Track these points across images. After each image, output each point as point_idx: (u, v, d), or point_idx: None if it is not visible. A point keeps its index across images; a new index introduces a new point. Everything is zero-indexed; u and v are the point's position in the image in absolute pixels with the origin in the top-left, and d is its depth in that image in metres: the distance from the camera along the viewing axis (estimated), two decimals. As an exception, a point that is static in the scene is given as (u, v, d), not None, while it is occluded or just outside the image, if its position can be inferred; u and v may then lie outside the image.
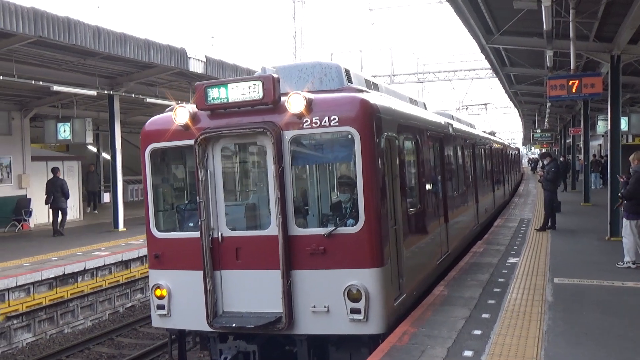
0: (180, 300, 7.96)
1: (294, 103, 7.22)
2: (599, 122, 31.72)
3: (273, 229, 7.43)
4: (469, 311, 8.36)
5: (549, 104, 30.58)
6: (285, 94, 7.41)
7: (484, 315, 8.13)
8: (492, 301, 8.90)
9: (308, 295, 7.31)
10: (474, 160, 17.01)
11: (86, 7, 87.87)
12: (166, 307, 8.01)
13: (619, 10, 13.87)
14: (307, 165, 8.79)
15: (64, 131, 20.69)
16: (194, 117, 7.78)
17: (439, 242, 10.85)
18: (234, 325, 7.46)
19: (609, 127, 16.53)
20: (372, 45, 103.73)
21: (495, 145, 25.53)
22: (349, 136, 7.24)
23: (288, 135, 7.37)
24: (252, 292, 7.58)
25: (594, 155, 34.70)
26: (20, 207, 21.59)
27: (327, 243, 7.24)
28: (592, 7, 13.85)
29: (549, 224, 16.68)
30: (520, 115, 53.90)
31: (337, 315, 7.22)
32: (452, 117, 16.90)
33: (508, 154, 32.73)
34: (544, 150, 37.63)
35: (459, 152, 14.47)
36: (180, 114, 7.80)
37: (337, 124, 7.22)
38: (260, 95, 7.35)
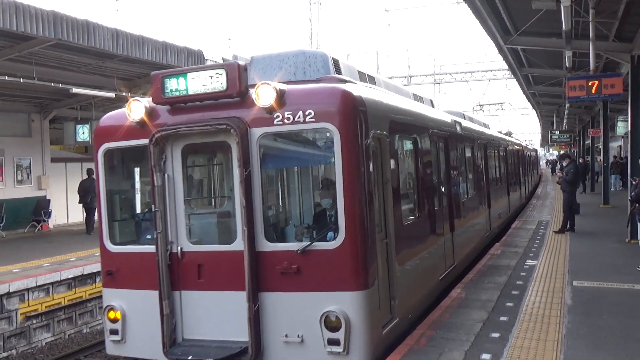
0: (135, 324, 6.96)
1: (263, 95, 6.23)
2: (619, 123, 31.38)
3: (239, 244, 6.38)
4: (487, 314, 8.29)
5: (567, 105, 30.34)
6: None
7: (502, 318, 8.06)
8: (510, 304, 8.82)
9: (279, 323, 6.29)
10: (486, 161, 16.00)
11: (105, 10, 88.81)
12: (120, 332, 7.01)
13: (639, 10, 13.71)
14: (280, 169, 7.72)
15: (83, 133, 20.92)
16: (151, 113, 6.82)
17: (442, 255, 9.79)
18: (190, 357, 6.39)
19: (629, 128, 16.37)
20: (389, 47, 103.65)
21: (511, 146, 24.38)
22: (327, 134, 6.23)
23: (256, 133, 6.37)
24: (216, 317, 6.57)
25: (615, 157, 34.30)
26: (39, 208, 21.88)
27: (301, 261, 6.20)
28: (612, 7, 13.71)
29: (568, 226, 16.51)
30: (538, 116, 53.48)
31: (312, 347, 6.19)
32: (464, 116, 15.93)
33: (525, 155, 31.67)
34: (562, 152, 37.32)
35: (469, 153, 13.51)
36: (135, 108, 6.82)
37: (313, 119, 6.18)
38: (224, 86, 6.34)
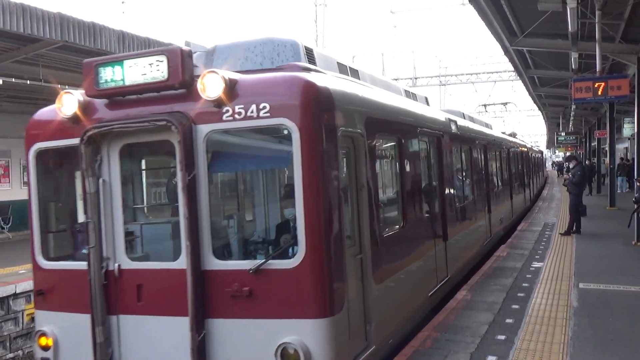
0: (69, 353, 6.02)
1: (210, 86, 5.32)
2: (625, 125, 31.29)
3: (183, 261, 5.45)
4: (493, 316, 8.27)
5: (573, 107, 30.26)
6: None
7: (508, 321, 8.04)
8: (516, 306, 8.79)
9: (228, 355, 5.40)
10: (486, 163, 15.00)
11: (111, 13, 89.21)
12: None
13: (646, 11, 13.68)
14: (233, 173, 6.86)
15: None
16: (86, 108, 5.88)
17: (433, 267, 8.84)
18: None
19: (635, 130, 16.31)
20: (394, 48, 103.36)
21: (515, 148, 23.37)
22: (285, 131, 5.28)
23: (203, 130, 5.46)
24: (158, 347, 5.64)
25: (621, 159, 34.19)
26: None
27: (254, 282, 5.28)
28: (619, 9, 13.68)
29: (574, 228, 16.46)
30: (544, 118, 53.39)
31: None
32: (463, 115, 15.01)
33: (530, 157, 30.79)
34: (568, 154, 37.22)
35: (466, 155, 12.61)
36: (67, 102, 5.87)
37: (269, 114, 5.27)
38: (165, 75, 5.41)
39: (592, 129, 39.84)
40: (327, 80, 5.89)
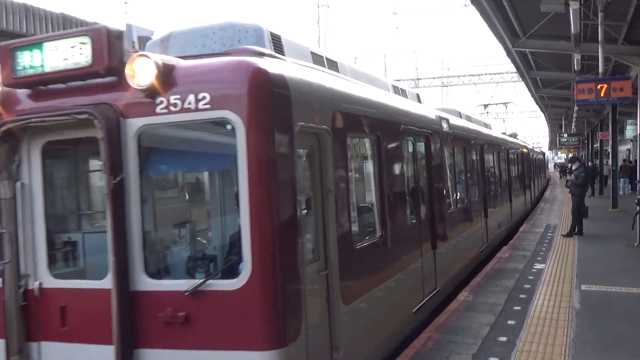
0: None
1: (140, 72, 4.54)
2: (628, 127, 31.27)
3: (109, 280, 4.65)
4: (494, 317, 8.27)
5: (576, 108, 30.24)
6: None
7: (510, 322, 8.04)
8: (518, 308, 8.79)
9: None
10: (483, 165, 14.10)
11: (114, 13, 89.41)
12: None
13: (649, 12, 13.68)
14: (173, 175, 5.82)
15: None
16: (5, 99, 5.08)
17: (418, 280, 8.04)
18: None
19: (638, 132, 16.30)
20: (397, 49, 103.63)
21: (515, 148, 22.51)
22: (229, 126, 4.50)
23: (134, 125, 4.67)
24: None
25: (624, 160, 34.17)
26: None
27: (191, 306, 4.49)
28: (621, 10, 13.69)
29: (576, 229, 16.44)
30: (546, 119, 53.36)
31: None
32: (460, 114, 14.16)
33: (531, 158, 29.95)
34: (571, 155, 37.20)
35: (460, 156, 11.78)
36: None
37: (209, 106, 4.49)
38: (89, 60, 4.61)
39: (594, 131, 39.81)
40: (285, 67, 5.06)
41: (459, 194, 11.39)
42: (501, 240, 16.01)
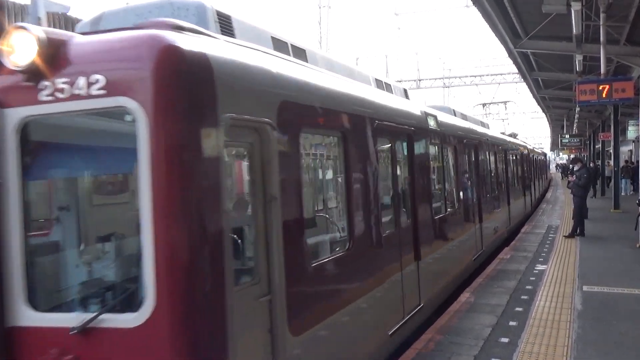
0: None
1: (18, 48, 3.71)
2: (630, 128, 31.22)
3: None
4: (496, 318, 8.26)
5: (578, 109, 30.23)
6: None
7: (511, 323, 8.02)
8: (520, 309, 8.77)
9: None
10: (477, 166, 13.05)
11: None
12: None
13: (650, 13, 13.68)
14: (64, 179, 4.65)
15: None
16: None
17: (397, 297, 7.08)
18: None
19: (639, 133, 16.26)
20: (398, 50, 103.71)
21: (515, 149, 21.59)
22: (128, 118, 3.63)
23: (12, 116, 3.84)
24: None
25: (626, 161, 34.14)
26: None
27: (80, 346, 3.61)
28: (623, 11, 13.69)
29: (578, 230, 16.43)
30: (548, 120, 53.34)
31: None
32: (454, 112, 13.28)
33: (532, 159, 29.33)
34: (572, 156, 37.16)
35: (451, 156, 10.86)
36: None
37: (104, 91, 3.62)
38: None
39: (596, 131, 39.78)
40: (210, 45, 4.07)
41: (448, 197, 10.43)
42: (498, 246, 15.30)
